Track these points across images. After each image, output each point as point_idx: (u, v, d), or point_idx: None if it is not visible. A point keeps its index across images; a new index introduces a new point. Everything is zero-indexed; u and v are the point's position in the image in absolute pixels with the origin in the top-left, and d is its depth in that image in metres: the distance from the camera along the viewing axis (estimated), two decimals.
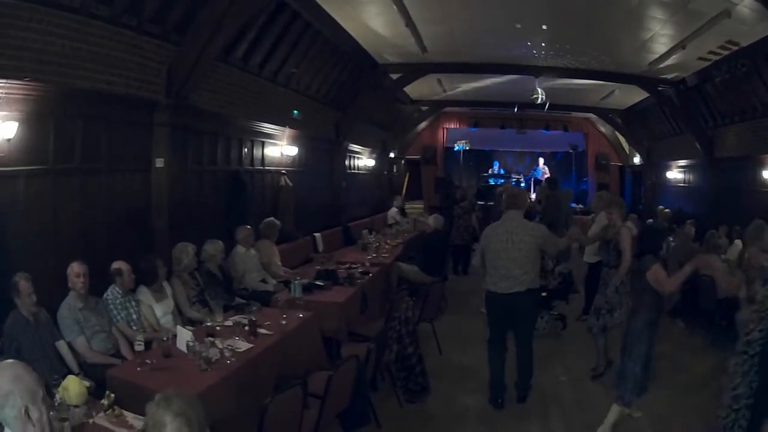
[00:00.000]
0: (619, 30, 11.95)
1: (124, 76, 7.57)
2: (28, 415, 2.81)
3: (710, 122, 16.22)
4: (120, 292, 6.46)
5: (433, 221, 12.14)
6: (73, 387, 4.26)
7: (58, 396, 4.16)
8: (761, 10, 9.23)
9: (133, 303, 6.60)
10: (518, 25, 11.12)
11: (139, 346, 5.43)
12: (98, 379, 5.15)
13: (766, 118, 13.15)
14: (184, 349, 5.45)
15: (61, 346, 5.67)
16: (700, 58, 13.12)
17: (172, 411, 2.77)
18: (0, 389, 2.79)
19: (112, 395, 4.39)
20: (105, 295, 6.39)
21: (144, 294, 6.81)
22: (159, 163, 8.41)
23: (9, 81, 5.89)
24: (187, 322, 7.07)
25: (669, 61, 13.59)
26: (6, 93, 5.90)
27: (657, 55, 13.33)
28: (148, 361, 5.22)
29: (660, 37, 11.95)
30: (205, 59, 8.52)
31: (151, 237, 8.42)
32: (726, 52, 12.34)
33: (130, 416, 4.19)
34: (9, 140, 5.99)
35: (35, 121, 6.41)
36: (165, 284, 7.16)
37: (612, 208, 7.81)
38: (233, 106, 10.33)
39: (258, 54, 10.73)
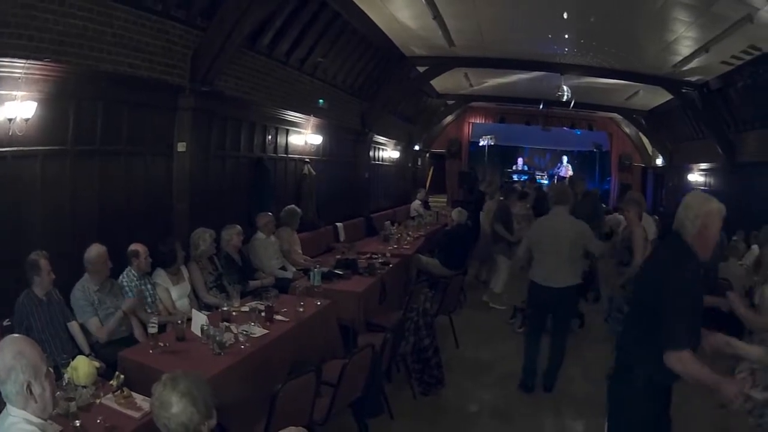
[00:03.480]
0: (644, 31, 11.95)
1: (148, 60, 7.57)
2: (30, 390, 2.81)
3: (732, 127, 16.15)
4: (135, 274, 6.49)
5: (456, 215, 12.09)
6: (82, 367, 4.26)
7: (66, 376, 4.16)
8: None
9: (149, 286, 6.63)
10: (565, 15, 10.99)
11: (153, 328, 5.37)
12: (109, 361, 5.17)
13: None
14: (198, 333, 5.45)
15: (73, 326, 5.68)
16: (723, 62, 13.11)
17: (179, 391, 2.79)
18: (2, 364, 2.78)
19: (122, 376, 4.39)
20: (120, 277, 6.42)
21: (161, 276, 6.84)
22: (181, 147, 8.41)
23: (29, 61, 5.89)
24: (204, 306, 7.12)
25: (693, 64, 13.53)
26: (25, 73, 5.89)
27: (681, 57, 13.27)
28: (161, 343, 5.23)
29: (684, 39, 11.91)
30: (231, 45, 8.48)
31: (170, 221, 8.44)
32: (749, 57, 12.31)
33: (139, 398, 4.18)
34: (27, 120, 5.98)
35: (55, 101, 6.41)
36: (182, 268, 7.19)
37: (629, 206, 7.79)
38: (258, 93, 10.34)
39: (285, 42, 10.71)
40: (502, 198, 12.85)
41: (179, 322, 5.63)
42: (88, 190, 7.01)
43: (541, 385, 7.44)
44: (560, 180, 24.19)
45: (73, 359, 4.40)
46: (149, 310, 6.39)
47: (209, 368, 4.75)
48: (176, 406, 2.77)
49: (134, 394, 4.23)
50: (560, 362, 7.49)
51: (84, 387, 4.14)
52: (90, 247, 6.00)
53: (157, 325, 5.43)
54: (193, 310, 6.13)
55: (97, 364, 4.66)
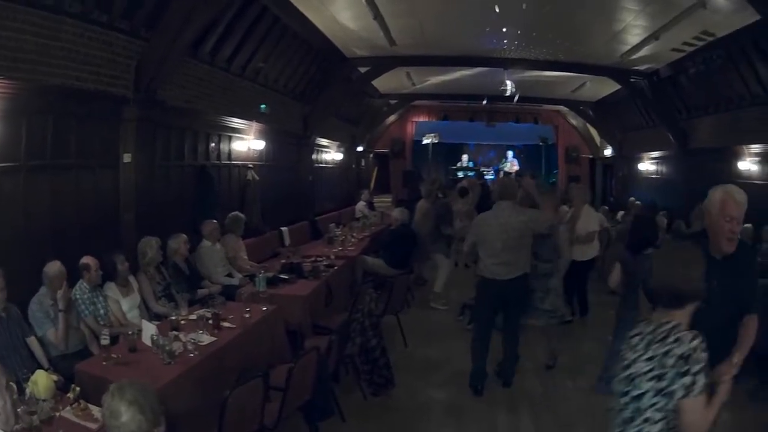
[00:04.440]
0: (591, 21, 11.90)
1: (95, 72, 7.58)
2: None
3: (684, 114, 16.32)
4: (88, 287, 6.52)
5: (398, 214, 12.18)
6: (41, 381, 4.35)
7: (27, 390, 4.23)
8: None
9: (101, 298, 6.66)
10: (497, 9, 10.89)
11: (105, 341, 5.44)
12: (67, 374, 5.22)
13: (741, 110, 13.24)
14: (149, 342, 5.53)
15: (32, 342, 5.72)
16: (674, 50, 13.12)
17: (126, 400, 2.85)
18: None
19: (78, 389, 4.47)
20: (73, 290, 6.43)
21: (111, 289, 6.87)
22: (127, 158, 8.42)
23: None
24: (154, 316, 7.15)
25: (642, 53, 13.57)
26: None
27: (629, 47, 13.31)
28: (113, 355, 5.29)
29: (633, 28, 11.88)
30: (174, 54, 8.55)
31: (119, 232, 8.44)
32: (701, 43, 12.31)
33: (95, 410, 4.25)
34: None
35: (8, 118, 6.42)
36: (131, 279, 7.23)
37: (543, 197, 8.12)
38: (201, 101, 10.36)
39: (226, 49, 10.75)
40: (441, 196, 13.06)
41: (130, 333, 5.70)
42: (40, 204, 7.01)
43: (499, 382, 7.57)
44: (506, 175, 24.14)
45: (33, 373, 4.49)
46: (102, 322, 6.42)
47: (160, 377, 4.84)
48: (125, 414, 2.83)
49: (91, 406, 4.32)
50: (516, 356, 7.64)
51: (44, 400, 4.21)
52: (50, 264, 6.04)
53: (109, 337, 5.49)
54: (143, 321, 6.19)
55: (55, 377, 4.72)
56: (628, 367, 2.96)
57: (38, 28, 6.56)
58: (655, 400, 2.84)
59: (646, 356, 2.90)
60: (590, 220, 9.74)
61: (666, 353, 2.82)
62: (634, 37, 12.56)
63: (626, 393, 2.96)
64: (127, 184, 8.51)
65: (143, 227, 8.33)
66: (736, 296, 4.04)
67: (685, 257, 3.07)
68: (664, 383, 2.81)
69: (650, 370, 2.87)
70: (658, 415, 2.84)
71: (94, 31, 7.49)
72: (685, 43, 12.48)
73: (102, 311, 6.60)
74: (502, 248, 7.17)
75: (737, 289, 4.02)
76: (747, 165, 13.12)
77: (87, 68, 7.45)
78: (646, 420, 2.89)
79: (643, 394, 2.88)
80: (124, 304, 6.95)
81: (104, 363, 5.20)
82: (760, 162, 12.80)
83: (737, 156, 13.52)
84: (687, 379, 2.76)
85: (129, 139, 8.43)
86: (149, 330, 5.67)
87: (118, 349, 5.52)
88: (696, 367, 2.76)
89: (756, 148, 12.84)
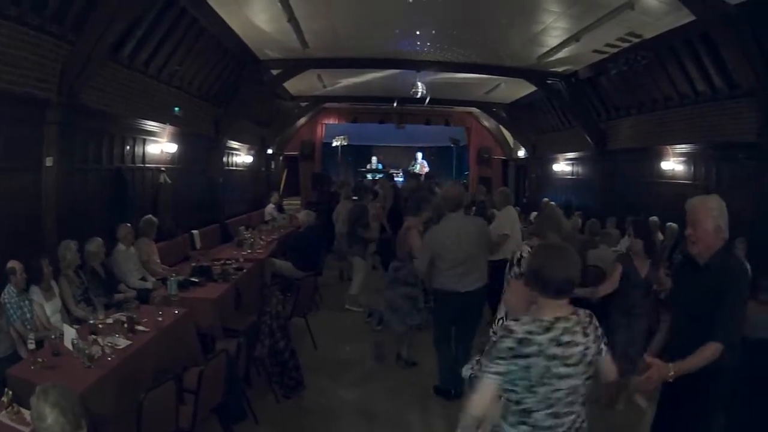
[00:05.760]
0: (510, 22, 11.84)
1: (25, 75, 7.60)
2: None
3: (603, 115, 16.44)
4: (15, 291, 6.53)
5: (304, 217, 12.39)
6: None
7: None
8: (668, 0, 9.33)
9: (27, 302, 6.67)
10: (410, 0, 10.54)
11: (31, 345, 5.52)
12: None
13: (669, 110, 13.29)
14: (70, 346, 5.60)
15: None
16: (595, 51, 13.12)
17: (50, 402, 3.00)
18: None
19: (11, 393, 4.55)
20: (2, 295, 6.46)
21: (36, 293, 6.89)
22: (48, 162, 8.39)
23: None
24: (74, 320, 7.15)
25: (560, 54, 13.59)
26: None
27: (548, 49, 13.30)
28: (39, 359, 5.36)
29: (552, 30, 11.84)
30: (96, 57, 8.57)
31: (42, 236, 8.40)
32: (626, 45, 12.31)
33: (27, 413, 4.31)
34: None
35: None
36: (53, 283, 7.25)
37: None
38: (118, 104, 10.34)
39: (145, 51, 10.73)
40: (356, 198, 13.29)
41: (53, 337, 5.75)
42: None
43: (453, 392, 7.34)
44: (415, 177, 24.10)
45: None
46: (29, 326, 6.44)
47: (82, 381, 4.94)
48: (49, 417, 2.97)
49: (23, 410, 4.39)
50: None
51: None
52: None
53: (35, 341, 5.56)
54: (65, 325, 6.25)
55: None
56: (585, 354, 3.18)
57: None
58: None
59: (591, 338, 3.23)
60: (506, 222, 9.90)
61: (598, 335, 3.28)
62: (553, 39, 12.60)
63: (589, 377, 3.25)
64: (48, 188, 8.47)
65: (64, 231, 8.32)
66: (701, 306, 4.07)
67: (571, 252, 3.37)
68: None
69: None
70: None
71: (26, 33, 7.51)
72: (608, 45, 12.55)
73: (29, 315, 6.60)
74: (460, 260, 7.02)
75: (706, 300, 4.03)
76: (671, 165, 13.25)
77: (16, 71, 7.46)
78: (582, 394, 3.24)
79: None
80: (48, 308, 6.97)
81: (32, 367, 5.26)
82: (685, 162, 12.92)
83: (661, 156, 13.64)
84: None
85: (52, 142, 8.41)
86: (70, 334, 5.75)
87: (43, 353, 5.57)
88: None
89: (682, 148, 12.95)
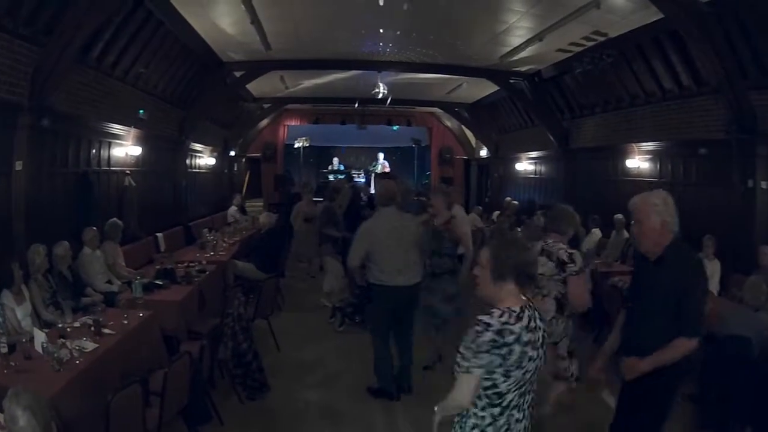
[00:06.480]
0: (472, 22, 11.83)
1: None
2: None
3: (567, 113, 16.56)
4: None
5: (264, 219, 12.49)
6: None
7: None
8: None
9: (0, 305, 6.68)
10: (381, 2, 10.31)
11: (3, 348, 5.51)
12: None
13: (635, 108, 13.40)
14: (40, 350, 5.63)
15: None
16: (559, 50, 13.18)
17: (21, 405, 3.09)
18: None
19: None
20: None
21: (7, 297, 6.91)
22: (18, 165, 8.40)
23: None
24: (44, 324, 7.15)
25: (523, 54, 13.61)
26: None
27: (510, 48, 13.31)
28: (12, 363, 5.40)
29: (515, 29, 11.84)
30: (65, 61, 8.56)
31: (11, 240, 8.38)
32: (591, 43, 12.33)
33: (1, 417, 4.46)
34: None
35: None
36: (24, 288, 7.24)
37: (436, 196, 8.13)
38: (86, 107, 10.33)
39: (112, 54, 10.75)
40: (319, 199, 13.38)
41: (24, 340, 5.80)
42: None
43: (401, 388, 7.47)
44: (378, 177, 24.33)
45: None
46: (0, 330, 6.44)
47: (52, 384, 4.96)
48: (21, 419, 3.06)
49: None
50: (411, 360, 7.56)
51: None
52: None
53: (6, 345, 5.57)
54: (35, 329, 6.24)
55: None
56: (544, 337, 3.34)
57: None
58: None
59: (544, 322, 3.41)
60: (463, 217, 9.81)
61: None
62: (516, 38, 12.62)
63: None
64: (18, 192, 8.47)
65: (33, 234, 8.31)
66: (659, 301, 4.11)
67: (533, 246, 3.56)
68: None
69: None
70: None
71: (2, 38, 7.54)
72: (573, 44, 12.61)
73: (0, 319, 6.61)
74: (397, 255, 7.04)
75: (663, 295, 4.07)
76: (636, 163, 13.37)
77: None
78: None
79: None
80: (19, 312, 6.98)
81: (5, 371, 5.29)
82: (651, 160, 13.02)
83: (626, 154, 13.75)
84: None
85: (22, 146, 8.41)
86: (40, 338, 5.77)
87: (15, 357, 5.60)
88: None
89: (647, 146, 13.03)
